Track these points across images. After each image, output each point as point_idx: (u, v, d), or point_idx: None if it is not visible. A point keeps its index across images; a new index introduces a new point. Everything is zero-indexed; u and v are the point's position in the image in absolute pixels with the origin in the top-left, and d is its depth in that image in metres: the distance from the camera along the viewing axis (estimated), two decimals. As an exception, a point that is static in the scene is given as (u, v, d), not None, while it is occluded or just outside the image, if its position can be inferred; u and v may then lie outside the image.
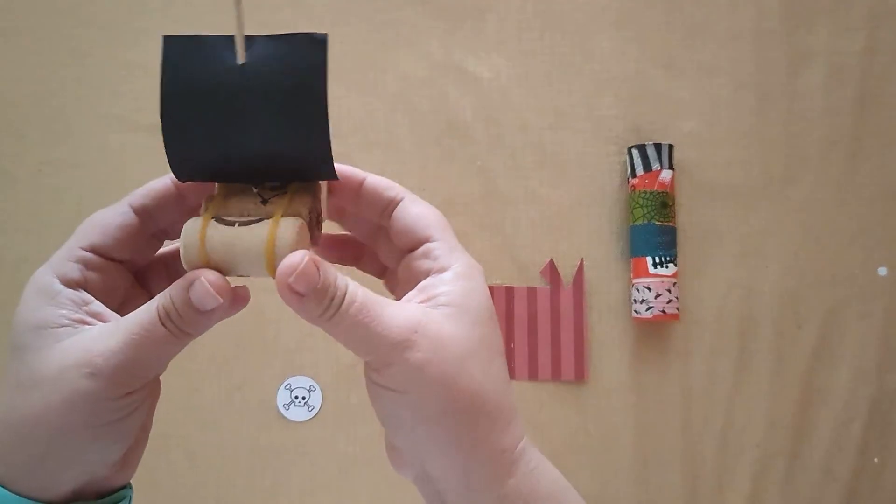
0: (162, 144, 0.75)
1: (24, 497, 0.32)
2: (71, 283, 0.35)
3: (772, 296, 0.71)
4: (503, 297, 0.71)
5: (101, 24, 0.74)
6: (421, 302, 0.35)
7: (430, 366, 0.34)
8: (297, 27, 0.79)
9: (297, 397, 0.70)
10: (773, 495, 0.70)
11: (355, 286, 0.33)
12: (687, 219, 0.71)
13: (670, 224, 0.69)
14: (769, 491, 0.70)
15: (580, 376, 0.71)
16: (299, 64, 0.33)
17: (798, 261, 0.72)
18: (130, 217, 0.38)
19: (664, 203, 0.68)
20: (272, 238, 0.32)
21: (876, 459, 0.71)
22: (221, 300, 0.32)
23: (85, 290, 0.35)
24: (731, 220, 0.72)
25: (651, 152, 0.69)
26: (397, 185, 0.39)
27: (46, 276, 0.35)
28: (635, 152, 0.70)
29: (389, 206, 0.38)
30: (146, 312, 0.33)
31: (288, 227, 0.32)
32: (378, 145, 0.73)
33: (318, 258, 0.32)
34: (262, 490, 0.70)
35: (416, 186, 0.72)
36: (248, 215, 0.34)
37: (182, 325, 0.32)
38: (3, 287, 0.73)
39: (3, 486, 0.32)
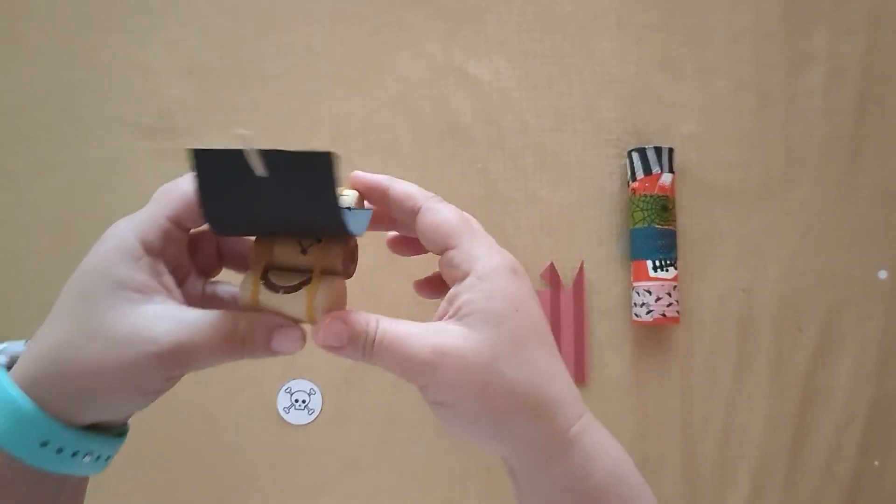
0: (162, 146, 0.76)
1: (52, 418, 0.35)
2: (152, 251, 0.37)
3: (772, 297, 0.71)
4: (503, 299, 0.71)
5: (105, 26, 0.74)
6: (449, 316, 0.38)
7: (458, 381, 0.37)
8: (297, 29, 0.78)
9: (297, 400, 0.70)
10: (773, 495, 0.70)
11: (386, 324, 0.37)
12: (687, 220, 0.71)
13: (670, 227, 0.69)
14: (769, 491, 0.70)
15: (580, 379, 0.71)
16: (312, 176, 0.37)
17: (798, 262, 0.72)
18: None
19: (664, 206, 0.68)
20: (310, 308, 0.38)
21: (876, 462, 0.71)
22: (297, 350, 0.37)
23: (162, 260, 0.38)
24: (731, 221, 0.72)
25: (651, 155, 0.69)
26: (417, 192, 0.41)
27: (132, 239, 0.37)
28: (635, 155, 0.69)
29: (411, 215, 0.40)
30: (228, 327, 0.36)
31: (323, 295, 0.39)
32: (379, 147, 0.72)
33: (344, 315, 0.37)
34: (262, 492, 0.70)
35: (416, 188, 0.72)
36: (292, 271, 0.40)
37: (249, 353, 0.37)
38: (6, 285, 0.73)
39: (38, 406, 0.35)
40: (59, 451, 0.36)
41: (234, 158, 0.37)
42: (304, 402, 0.70)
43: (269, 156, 0.37)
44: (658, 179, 0.68)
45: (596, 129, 0.72)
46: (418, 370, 0.36)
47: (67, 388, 0.35)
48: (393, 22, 0.73)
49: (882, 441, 0.71)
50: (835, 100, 0.73)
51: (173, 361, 0.35)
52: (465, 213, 0.42)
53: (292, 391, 0.70)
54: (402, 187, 0.41)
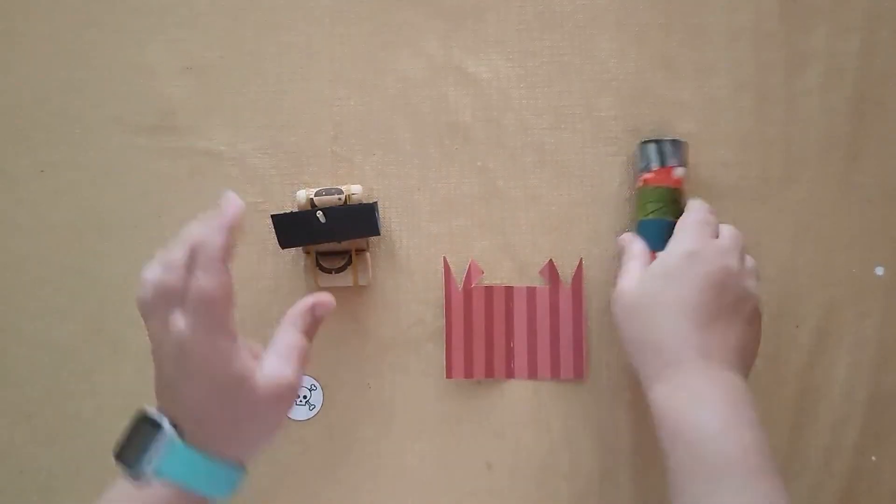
0: (162, 146, 0.76)
1: (215, 457, 0.52)
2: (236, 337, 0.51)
3: (769, 295, 0.71)
4: (503, 297, 0.71)
5: (104, 25, 0.74)
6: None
7: (616, 312, 0.61)
8: (297, 29, 0.78)
9: (297, 396, 0.70)
10: (771, 494, 0.70)
11: (627, 265, 0.64)
12: (686, 219, 0.72)
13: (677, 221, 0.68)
14: (768, 490, 0.70)
15: (579, 375, 0.71)
16: (360, 216, 0.63)
17: (796, 261, 0.72)
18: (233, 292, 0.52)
19: (675, 199, 0.68)
20: (355, 279, 0.66)
21: (874, 458, 0.71)
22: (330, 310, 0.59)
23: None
24: (730, 220, 0.72)
25: (667, 148, 0.68)
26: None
27: (227, 341, 0.50)
28: (651, 147, 0.68)
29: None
30: (303, 347, 0.57)
31: (361, 269, 0.66)
32: (378, 146, 0.73)
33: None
34: (261, 490, 0.70)
35: (415, 187, 0.72)
36: (333, 254, 0.66)
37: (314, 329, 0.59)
38: (4, 288, 0.73)
39: (199, 449, 0.50)
40: (230, 481, 0.53)
41: (302, 216, 0.61)
42: (304, 397, 0.71)
43: (330, 211, 0.61)
44: (671, 172, 0.68)
45: (595, 127, 0.73)
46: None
47: (228, 429, 0.52)
48: (393, 22, 0.74)
49: (879, 438, 0.71)
50: (834, 99, 0.73)
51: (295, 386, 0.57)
52: (707, 215, 0.64)
53: (292, 388, 0.70)
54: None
